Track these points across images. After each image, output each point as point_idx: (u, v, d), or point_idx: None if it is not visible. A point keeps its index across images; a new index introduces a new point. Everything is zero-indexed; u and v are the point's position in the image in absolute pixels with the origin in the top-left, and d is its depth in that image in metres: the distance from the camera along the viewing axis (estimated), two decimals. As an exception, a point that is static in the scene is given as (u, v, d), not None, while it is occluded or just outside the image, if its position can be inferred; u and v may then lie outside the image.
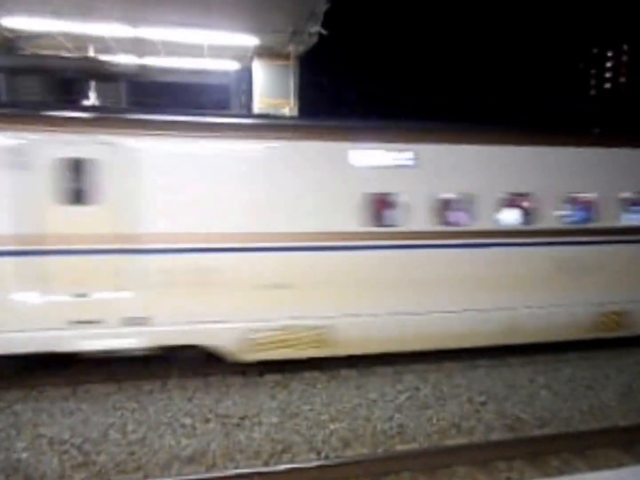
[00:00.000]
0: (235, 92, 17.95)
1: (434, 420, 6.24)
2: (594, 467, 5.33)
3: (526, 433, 6.03)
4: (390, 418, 6.27)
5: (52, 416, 6.19)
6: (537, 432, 6.05)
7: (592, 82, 73.99)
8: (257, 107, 14.80)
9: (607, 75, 73.07)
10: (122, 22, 11.59)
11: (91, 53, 13.43)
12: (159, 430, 5.92)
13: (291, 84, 14.12)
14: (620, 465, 5.28)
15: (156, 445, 5.63)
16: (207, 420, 6.14)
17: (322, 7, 11.77)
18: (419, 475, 5.18)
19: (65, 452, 5.47)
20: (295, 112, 14.46)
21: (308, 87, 16.05)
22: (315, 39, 13.16)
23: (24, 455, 5.40)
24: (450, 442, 5.80)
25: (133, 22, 11.62)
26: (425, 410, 6.48)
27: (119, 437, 5.76)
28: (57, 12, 11.06)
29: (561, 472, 5.25)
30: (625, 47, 70.63)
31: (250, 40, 12.70)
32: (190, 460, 5.39)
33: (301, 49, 13.86)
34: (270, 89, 14.69)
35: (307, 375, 7.37)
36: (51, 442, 5.63)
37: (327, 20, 12.30)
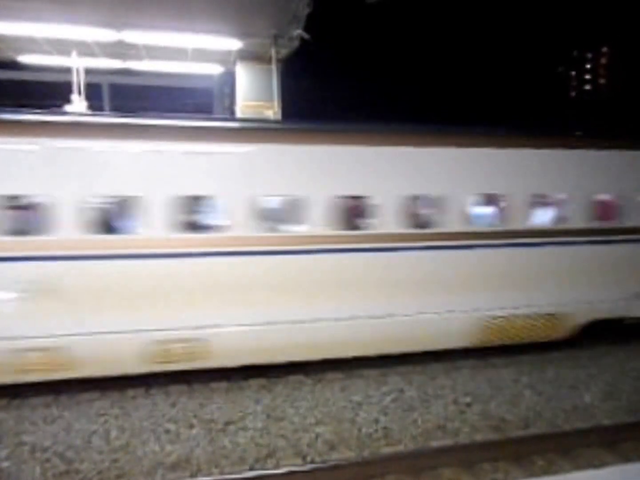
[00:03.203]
0: (218, 96, 17.94)
1: (419, 422, 6.25)
2: (579, 466, 5.36)
3: (511, 433, 6.06)
4: (376, 420, 6.26)
5: (34, 424, 6.09)
6: (521, 433, 6.07)
7: (573, 83, 75.28)
8: (240, 110, 14.77)
9: (587, 77, 74.42)
10: (105, 26, 11.49)
11: (74, 57, 13.28)
12: (142, 436, 5.85)
13: (274, 87, 14.11)
14: (604, 464, 5.31)
15: (140, 451, 5.57)
16: (191, 426, 6.08)
17: (304, 11, 11.78)
18: (404, 478, 5.16)
19: (48, 460, 5.39)
20: (278, 115, 14.44)
21: (291, 90, 16.07)
22: (297, 43, 13.18)
23: (5, 464, 5.30)
24: (435, 444, 5.81)
25: (116, 26, 11.53)
26: (410, 412, 6.49)
27: (102, 444, 5.68)
28: (39, 16, 10.94)
29: (546, 472, 5.28)
30: (604, 49, 71.99)
31: (233, 44, 12.66)
32: (175, 466, 5.34)
33: (284, 52, 13.85)
34: (253, 92, 14.66)
35: (292, 378, 7.34)
36: (33, 450, 5.54)
37: (310, 24, 12.34)
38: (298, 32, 12.37)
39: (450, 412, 6.50)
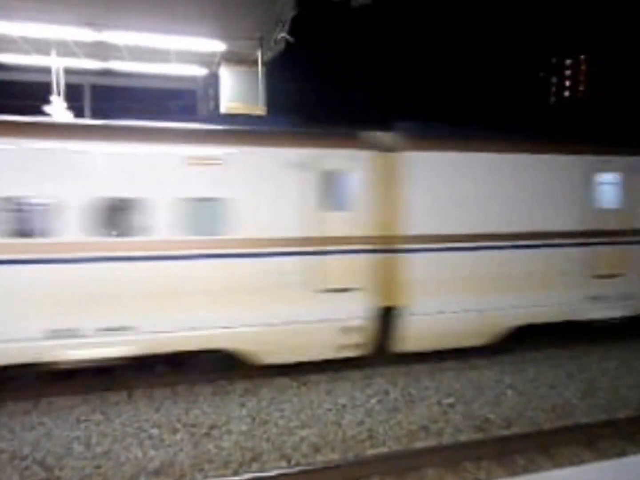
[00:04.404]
0: (202, 98, 17.84)
1: (404, 424, 6.29)
2: (558, 464, 5.44)
3: (493, 433, 6.13)
4: (360, 422, 6.29)
5: (13, 431, 5.99)
6: (503, 432, 6.15)
7: (553, 89, 76.55)
8: (225, 112, 14.71)
9: (567, 83, 75.79)
10: (85, 25, 11.36)
11: (53, 57, 13.10)
12: (125, 442, 5.79)
13: (259, 89, 14.09)
14: (582, 461, 5.42)
15: (122, 457, 5.50)
16: (175, 431, 6.04)
17: (289, 13, 11.81)
18: (388, 479, 5.20)
19: (27, 468, 5.30)
20: (263, 118, 14.41)
21: (276, 93, 16.04)
22: (282, 46, 13.18)
23: (-17, 473, 5.21)
24: (419, 445, 5.85)
25: (97, 25, 11.40)
26: (394, 413, 6.53)
27: (84, 451, 5.61)
28: (16, 14, 10.77)
29: (527, 470, 5.35)
30: (582, 57, 73.39)
31: (217, 46, 12.61)
32: (158, 472, 5.28)
33: (268, 55, 13.85)
34: (238, 94, 14.63)
35: (277, 382, 7.34)
36: (12, 458, 5.45)
37: (296, 28, 12.35)
38: (282, 35, 12.37)
39: (434, 413, 6.56)
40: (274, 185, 7.05)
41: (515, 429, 6.24)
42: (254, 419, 6.34)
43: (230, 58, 14.06)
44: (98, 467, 5.33)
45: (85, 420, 6.23)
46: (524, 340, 8.59)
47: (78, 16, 11.04)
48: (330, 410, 6.59)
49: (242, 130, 7.30)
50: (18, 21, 11.00)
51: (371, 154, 7.55)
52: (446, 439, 5.99)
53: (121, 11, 11.00)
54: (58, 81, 13.59)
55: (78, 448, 5.65)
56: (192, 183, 6.76)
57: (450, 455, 5.54)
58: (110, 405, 6.64)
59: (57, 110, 12.96)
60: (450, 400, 6.92)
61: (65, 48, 12.88)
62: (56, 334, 6.26)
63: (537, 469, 5.38)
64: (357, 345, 7.47)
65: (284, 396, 6.95)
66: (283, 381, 7.36)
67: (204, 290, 6.75)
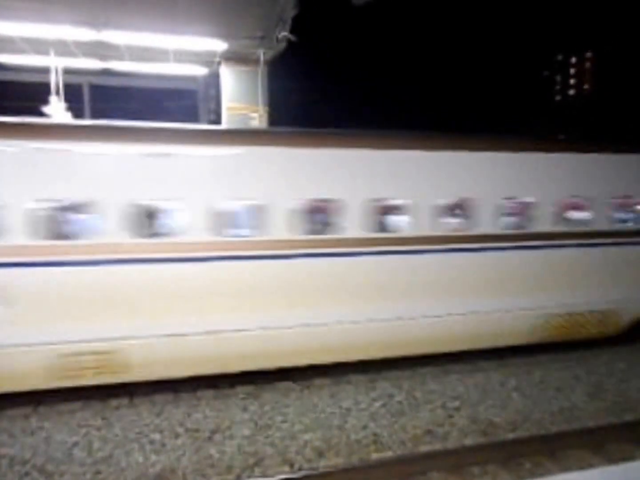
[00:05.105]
0: (203, 98, 17.76)
1: (408, 427, 6.21)
2: (565, 468, 5.38)
3: (499, 437, 6.06)
4: (365, 426, 6.21)
5: (13, 435, 5.92)
6: (509, 436, 6.07)
7: (557, 88, 76.24)
8: (226, 113, 14.62)
9: (572, 81, 75.45)
10: (84, 25, 11.27)
11: (52, 57, 13.02)
12: (126, 447, 5.72)
13: (260, 89, 14.00)
14: (589, 465, 5.35)
15: (123, 463, 5.44)
16: (177, 435, 5.97)
17: (290, 12, 11.70)
18: (394, 484, 5.13)
19: (27, 473, 5.23)
20: (264, 118, 14.33)
21: (278, 93, 15.97)
22: (284, 45, 13.07)
23: (-18, 478, 5.15)
24: (424, 449, 5.78)
25: (96, 25, 11.32)
26: (399, 417, 6.45)
27: (84, 456, 5.54)
28: (16, 14, 10.69)
29: (533, 474, 5.29)
30: (588, 54, 73.04)
31: (218, 45, 12.51)
32: (159, 477, 5.22)
33: (270, 54, 13.75)
34: (239, 94, 14.52)
35: (280, 385, 7.26)
36: (11, 464, 5.38)
37: (297, 26, 12.25)
38: (284, 34, 12.27)
39: (439, 417, 6.48)
40: None
41: (521, 433, 6.16)
42: (256, 423, 6.26)
43: (231, 57, 13.95)
44: (99, 472, 5.27)
45: (86, 425, 6.16)
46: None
47: (77, 16, 10.95)
48: (334, 414, 6.52)
49: None
50: (16, 21, 10.91)
51: None
52: (451, 443, 5.92)
53: (121, 11, 10.90)
54: (57, 81, 13.51)
55: (78, 453, 5.59)
56: None
57: (456, 459, 5.47)
58: (111, 409, 6.57)
59: (56, 110, 12.87)
60: (456, 403, 6.83)
61: (64, 48, 12.79)
62: None
63: (544, 473, 5.31)
64: None
65: (286, 400, 6.88)
66: (286, 384, 7.28)
67: None
